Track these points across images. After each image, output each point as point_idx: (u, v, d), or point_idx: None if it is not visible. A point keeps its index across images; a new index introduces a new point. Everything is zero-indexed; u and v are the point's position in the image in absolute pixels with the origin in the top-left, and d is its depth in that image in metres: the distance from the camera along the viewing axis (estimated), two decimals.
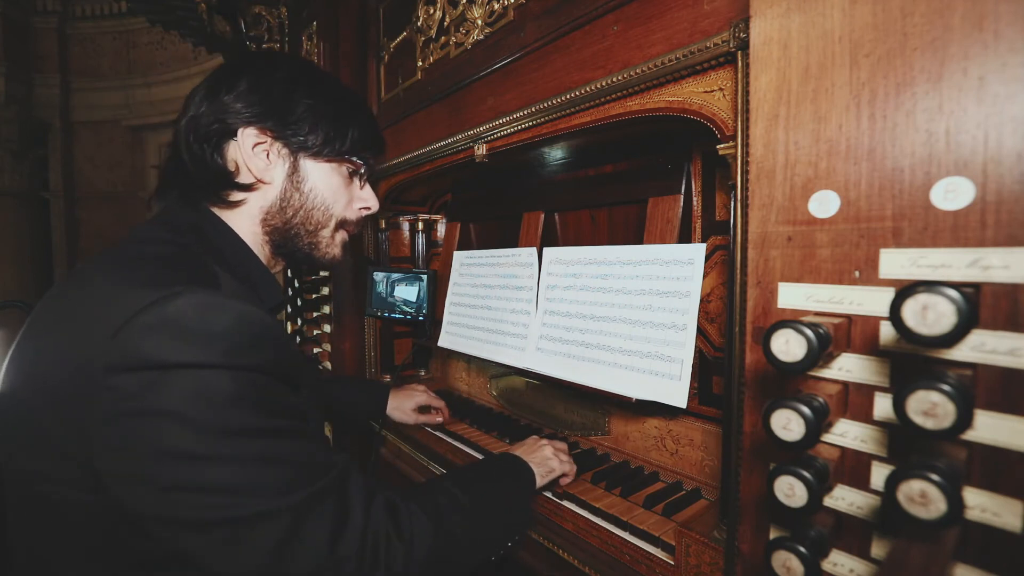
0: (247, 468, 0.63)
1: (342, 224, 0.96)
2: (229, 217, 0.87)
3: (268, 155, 0.86)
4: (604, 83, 0.99)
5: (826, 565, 0.61)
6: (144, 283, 0.65)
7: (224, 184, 0.85)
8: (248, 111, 0.83)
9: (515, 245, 1.53)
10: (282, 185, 0.88)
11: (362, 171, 0.96)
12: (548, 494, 1.10)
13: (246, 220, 0.88)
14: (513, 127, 1.23)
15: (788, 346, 0.53)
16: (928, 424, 0.44)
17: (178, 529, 0.63)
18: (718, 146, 0.80)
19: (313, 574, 0.66)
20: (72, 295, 0.70)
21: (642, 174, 1.24)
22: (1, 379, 0.71)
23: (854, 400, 0.60)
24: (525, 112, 1.18)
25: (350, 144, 0.91)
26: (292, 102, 0.86)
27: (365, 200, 0.99)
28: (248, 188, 0.86)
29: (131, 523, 0.65)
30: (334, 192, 0.92)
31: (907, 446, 0.56)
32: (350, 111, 0.92)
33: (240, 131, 0.83)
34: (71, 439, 0.62)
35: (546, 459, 1.07)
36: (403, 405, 1.55)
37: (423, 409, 1.57)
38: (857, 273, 0.59)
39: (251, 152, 0.84)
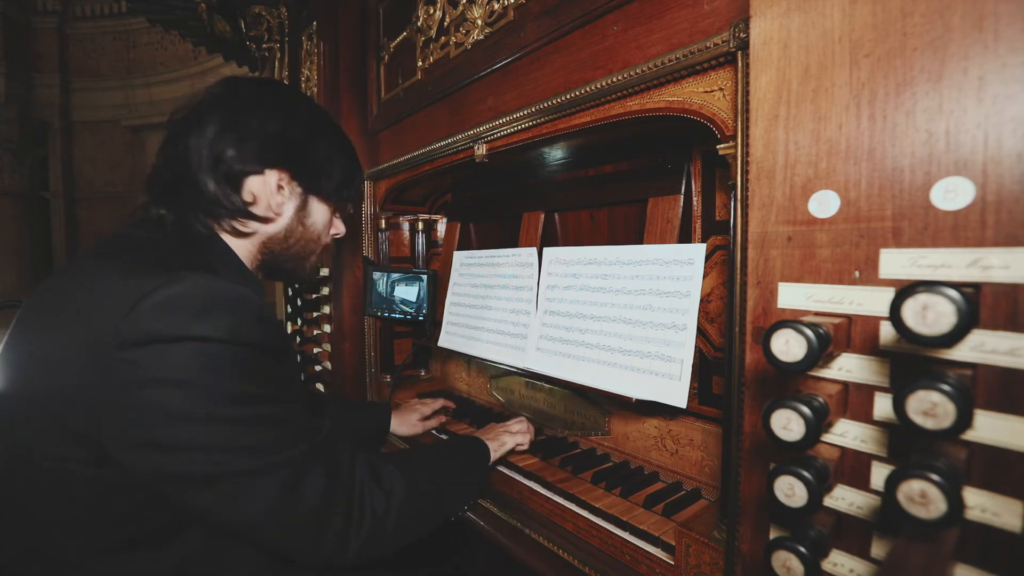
0: (247, 429, 0.71)
1: (325, 249, 1.10)
2: (223, 234, 0.92)
3: (285, 192, 0.95)
4: (604, 83, 0.99)
5: (826, 565, 0.61)
6: (148, 270, 0.72)
7: (240, 214, 0.90)
8: (274, 154, 0.91)
9: (515, 245, 1.52)
10: (290, 219, 0.97)
11: (351, 210, 1.12)
12: (545, 491, 1.10)
13: (244, 240, 0.94)
14: (513, 127, 1.23)
15: (788, 346, 0.53)
16: (928, 424, 0.44)
17: (185, 485, 0.70)
18: (718, 146, 0.80)
19: (310, 520, 0.76)
20: (72, 287, 0.75)
21: (642, 174, 1.24)
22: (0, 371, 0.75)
23: (854, 400, 0.60)
24: (525, 112, 1.18)
25: (355, 190, 1.07)
26: (313, 150, 0.97)
27: (337, 227, 1.14)
28: (263, 220, 0.93)
29: (140, 492, 0.71)
30: (324, 224, 1.06)
31: (907, 446, 0.56)
32: (356, 161, 1.08)
33: (267, 171, 0.90)
34: (80, 416, 0.67)
35: (498, 435, 1.25)
36: (408, 419, 1.55)
37: (427, 418, 1.58)
38: (857, 273, 0.59)
39: (274, 190, 0.92)
